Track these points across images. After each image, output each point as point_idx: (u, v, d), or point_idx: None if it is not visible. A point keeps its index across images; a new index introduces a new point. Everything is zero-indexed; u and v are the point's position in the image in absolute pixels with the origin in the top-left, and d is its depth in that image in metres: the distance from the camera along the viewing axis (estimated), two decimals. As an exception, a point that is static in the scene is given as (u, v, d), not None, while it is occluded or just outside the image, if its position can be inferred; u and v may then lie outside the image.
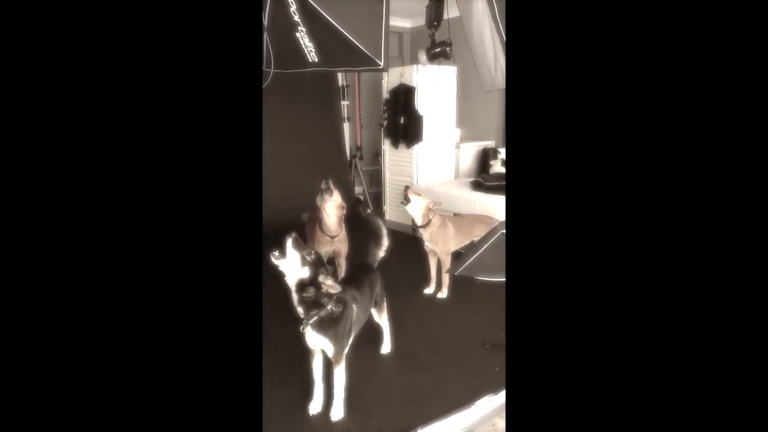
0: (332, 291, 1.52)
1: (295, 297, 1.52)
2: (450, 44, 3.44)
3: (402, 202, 2.60)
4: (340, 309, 1.57)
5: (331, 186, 2.43)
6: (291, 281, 1.51)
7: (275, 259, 1.46)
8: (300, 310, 1.53)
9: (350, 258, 2.65)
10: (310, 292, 1.49)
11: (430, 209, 2.59)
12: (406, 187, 2.62)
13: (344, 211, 2.55)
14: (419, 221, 2.61)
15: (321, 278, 1.49)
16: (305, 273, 1.48)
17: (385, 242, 2.01)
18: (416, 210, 2.58)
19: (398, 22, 5.19)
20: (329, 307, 1.53)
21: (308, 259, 1.48)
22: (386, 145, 4.51)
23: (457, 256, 2.68)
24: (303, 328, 1.54)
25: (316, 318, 1.52)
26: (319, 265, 1.50)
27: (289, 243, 1.46)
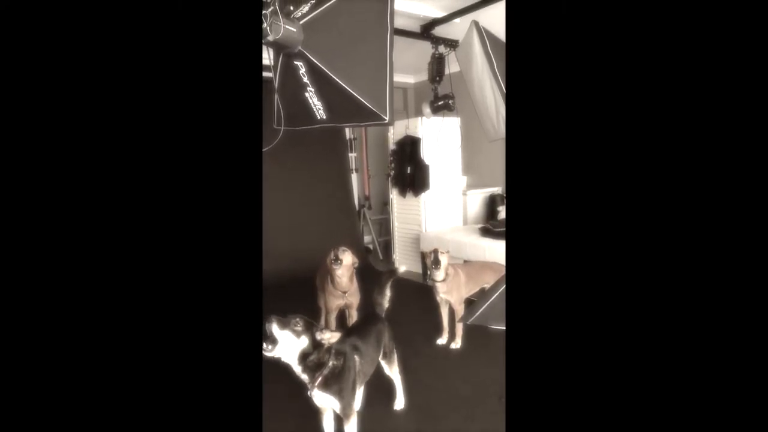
0: (334, 340, 1.50)
1: (298, 368, 1.49)
2: (452, 97, 3.58)
3: (434, 267, 2.55)
4: (341, 361, 1.54)
5: (340, 257, 2.48)
6: (291, 357, 1.47)
7: (269, 352, 1.41)
8: (305, 377, 1.50)
9: (362, 309, 2.63)
10: (314, 355, 1.47)
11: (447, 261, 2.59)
12: (436, 250, 2.58)
13: (356, 266, 2.58)
14: (441, 277, 2.58)
15: (318, 336, 1.47)
16: (305, 342, 1.45)
17: (388, 292, 2.01)
18: (442, 268, 2.56)
19: (402, 78, 5.42)
20: (330, 363, 1.51)
21: (298, 328, 1.44)
22: (394, 194, 4.58)
23: (469, 304, 2.64)
24: (311, 393, 1.52)
25: (321, 378, 1.50)
26: (310, 326, 1.48)
27: (274, 328, 1.41)
